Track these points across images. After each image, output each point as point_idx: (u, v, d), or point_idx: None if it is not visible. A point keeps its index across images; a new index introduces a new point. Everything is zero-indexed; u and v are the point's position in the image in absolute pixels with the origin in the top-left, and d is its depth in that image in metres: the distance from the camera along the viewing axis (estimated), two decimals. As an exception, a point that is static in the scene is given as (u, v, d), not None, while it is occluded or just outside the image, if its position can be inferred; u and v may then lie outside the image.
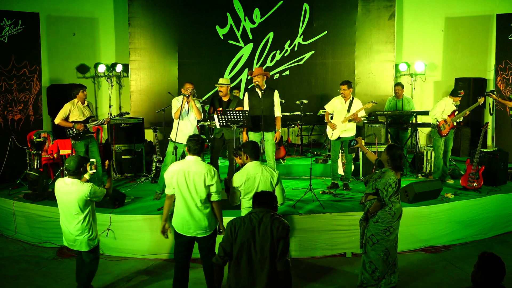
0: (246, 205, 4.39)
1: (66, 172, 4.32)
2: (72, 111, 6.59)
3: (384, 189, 4.28)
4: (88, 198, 4.23)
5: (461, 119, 7.16)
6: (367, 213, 4.50)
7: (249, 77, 6.35)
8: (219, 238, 4.13)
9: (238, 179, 4.35)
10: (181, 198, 4.16)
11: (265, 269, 3.09)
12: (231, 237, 3.15)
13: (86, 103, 6.79)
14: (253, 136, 6.43)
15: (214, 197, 4.20)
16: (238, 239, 3.12)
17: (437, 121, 6.99)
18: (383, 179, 4.32)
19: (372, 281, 4.47)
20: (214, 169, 4.22)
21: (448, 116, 7.00)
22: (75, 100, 6.68)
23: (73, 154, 7.49)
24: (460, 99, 7.10)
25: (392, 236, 4.48)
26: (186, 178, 4.10)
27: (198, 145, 4.21)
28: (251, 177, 4.31)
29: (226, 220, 5.42)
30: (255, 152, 4.44)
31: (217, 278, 3.27)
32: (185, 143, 6.33)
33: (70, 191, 4.21)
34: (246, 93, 6.54)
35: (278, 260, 3.09)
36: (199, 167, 4.13)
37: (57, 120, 6.61)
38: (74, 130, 6.55)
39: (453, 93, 7.08)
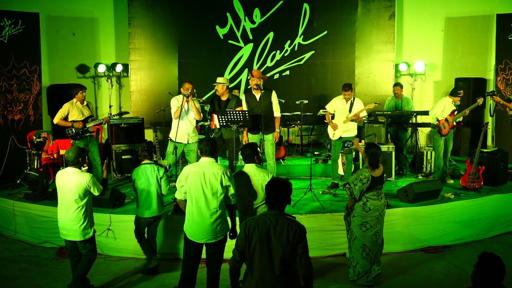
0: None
1: (67, 163, 4.52)
2: (71, 111, 6.59)
3: (353, 183, 4.64)
4: (88, 187, 4.42)
5: (461, 118, 7.15)
6: (347, 208, 4.87)
7: (249, 77, 6.37)
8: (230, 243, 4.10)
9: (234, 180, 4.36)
10: (195, 202, 4.04)
11: (281, 273, 3.02)
12: (245, 240, 3.05)
13: (85, 103, 6.78)
14: (252, 138, 6.43)
15: (232, 201, 4.16)
16: (252, 242, 3.03)
17: (438, 120, 6.99)
18: (355, 174, 4.71)
19: (354, 276, 4.87)
20: (230, 170, 4.15)
21: (449, 115, 7.01)
22: (74, 100, 6.67)
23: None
24: (459, 99, 7.11)
25: (369, 232, 4.72)
26: (201, 180, 4.00)
27: (209, 146, 4.13)
28: (247, 178, 4.33)
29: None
30: (252, 154, 4.39)
31: (233, 279, 3.22)
32: (185, 142, 6.41)
33: (71, 179, 4.42)
34: (244, 95, 6.54)
35: (300, 264, 3.03)
36: (214, 168, 4.05)
37: (55, 120, 6.61)
38: (73, 129, 6.55)
39: (453, 93, 7.08)
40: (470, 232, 6.08)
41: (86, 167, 4.70)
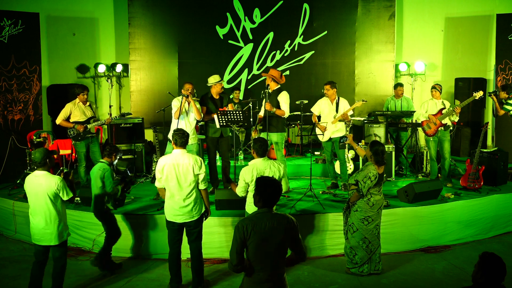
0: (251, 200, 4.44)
1: (34, 165, 4.38)
2: (73, 112, 6.63)
3: (363, 181, 4.78)
4: (57, 191, 4.26)
5: (457, 118, 6.92)
6: (348, 202, 5.04)
7: (275, 76, 6.37)
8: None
9: (248, 175, 4.52)
10: (171, 189, 4.49)
11: (279, 268, 3.09)
12: (242, 242, 3.04)
13: (87, 103, 6.81)
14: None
15: (202, 186, 4.59)
16: (250, 242, 3.02)
17: (421, 121, 6.97)
18: (364, 171, 4.82)
19: (351, 264, 5.05)
20: (200, 159, 4.59)
21: (433, 115, 6.86)
22: (76, 100, 6.71)
23: (73, 154, 7.50)
24: (437, 93, 6.92)
25: (371, 226, 4.92)
26: (176, 170, 4.44)
27: (183, 138, 4.53)
28: (261, 172, 4.49)
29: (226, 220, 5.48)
30: (263, 149, 4.64)
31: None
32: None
33: (40, 183, 4.26)
34: (263, 92, 6.45)
35: (298, 253, 3.17)
36: (186, 158, 4.47)
37: (58, 121, 6.65)
38: (75, 130, 6.57)
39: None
40: (470, 232, 6.08)
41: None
